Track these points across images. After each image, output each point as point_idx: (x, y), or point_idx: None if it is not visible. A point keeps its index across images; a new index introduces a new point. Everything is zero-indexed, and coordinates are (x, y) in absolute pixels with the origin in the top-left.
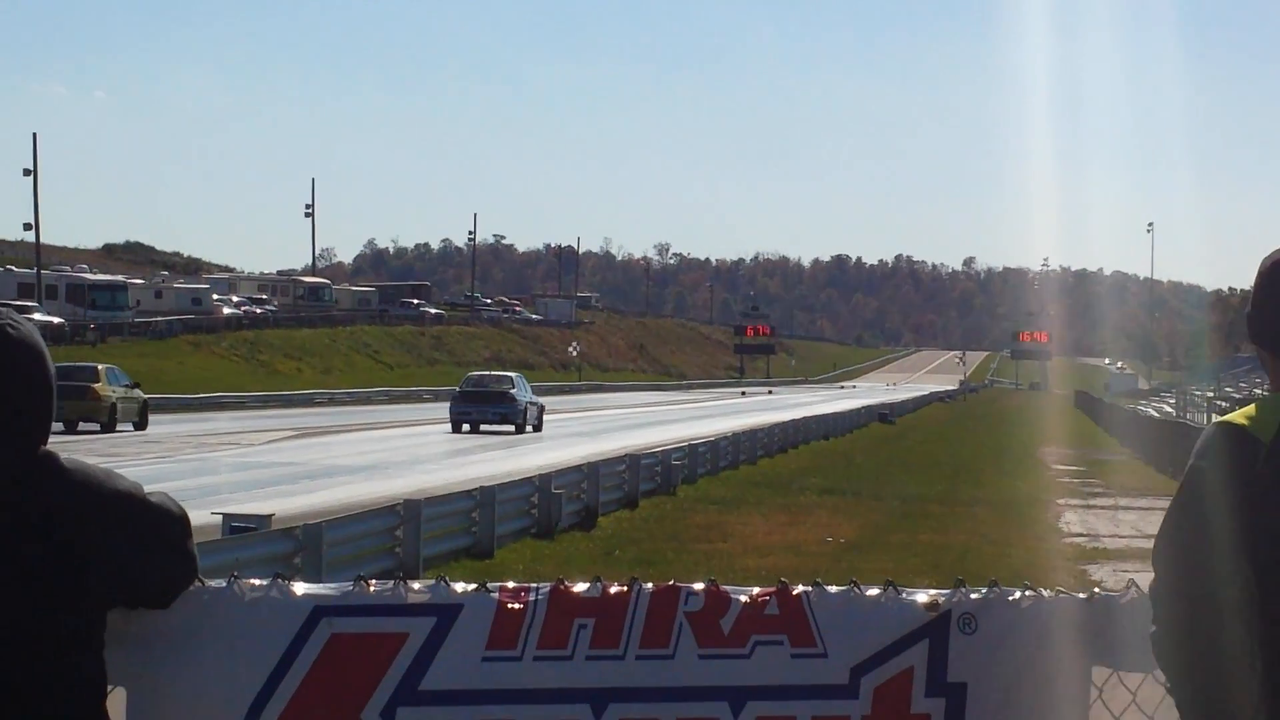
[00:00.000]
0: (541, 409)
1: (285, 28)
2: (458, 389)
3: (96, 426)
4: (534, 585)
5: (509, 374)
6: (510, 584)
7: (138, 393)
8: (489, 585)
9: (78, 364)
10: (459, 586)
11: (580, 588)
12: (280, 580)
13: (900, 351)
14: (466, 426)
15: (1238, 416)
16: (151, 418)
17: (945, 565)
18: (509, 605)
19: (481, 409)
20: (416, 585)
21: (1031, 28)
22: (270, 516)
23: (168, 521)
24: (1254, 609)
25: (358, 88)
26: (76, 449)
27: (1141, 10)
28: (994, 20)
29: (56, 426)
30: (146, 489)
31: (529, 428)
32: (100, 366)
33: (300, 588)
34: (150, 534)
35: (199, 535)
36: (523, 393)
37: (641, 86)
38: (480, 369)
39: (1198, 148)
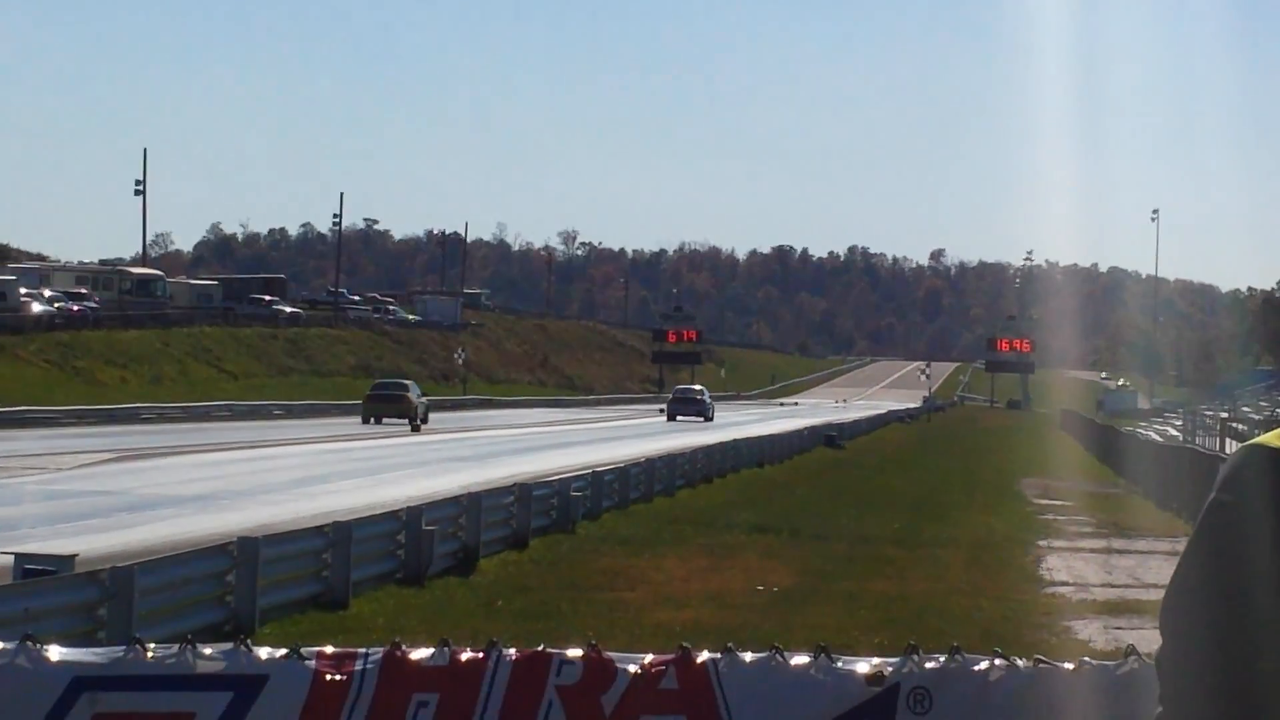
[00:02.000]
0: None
1: None
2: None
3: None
4: (362, 650)
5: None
6: (329, 649)
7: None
8: (303, 651)
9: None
10: (263, 652)
11: (422, 654)
12: (30, 643)
13: (853, 362)
14: None
15: (1274, 438)
16: None
17: (902, 620)
18: (328, 677)
19: None
20: (208, 650)
21: None
22: (74, 557)
23: None
24: None
25: (201, 42)
26: None
27: None
28: None
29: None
30: None
31: None
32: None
33: (55, 652)
34: None
35: None
36: None
37: (544, 47)
38: (349, 378)
39: (1211, 126)
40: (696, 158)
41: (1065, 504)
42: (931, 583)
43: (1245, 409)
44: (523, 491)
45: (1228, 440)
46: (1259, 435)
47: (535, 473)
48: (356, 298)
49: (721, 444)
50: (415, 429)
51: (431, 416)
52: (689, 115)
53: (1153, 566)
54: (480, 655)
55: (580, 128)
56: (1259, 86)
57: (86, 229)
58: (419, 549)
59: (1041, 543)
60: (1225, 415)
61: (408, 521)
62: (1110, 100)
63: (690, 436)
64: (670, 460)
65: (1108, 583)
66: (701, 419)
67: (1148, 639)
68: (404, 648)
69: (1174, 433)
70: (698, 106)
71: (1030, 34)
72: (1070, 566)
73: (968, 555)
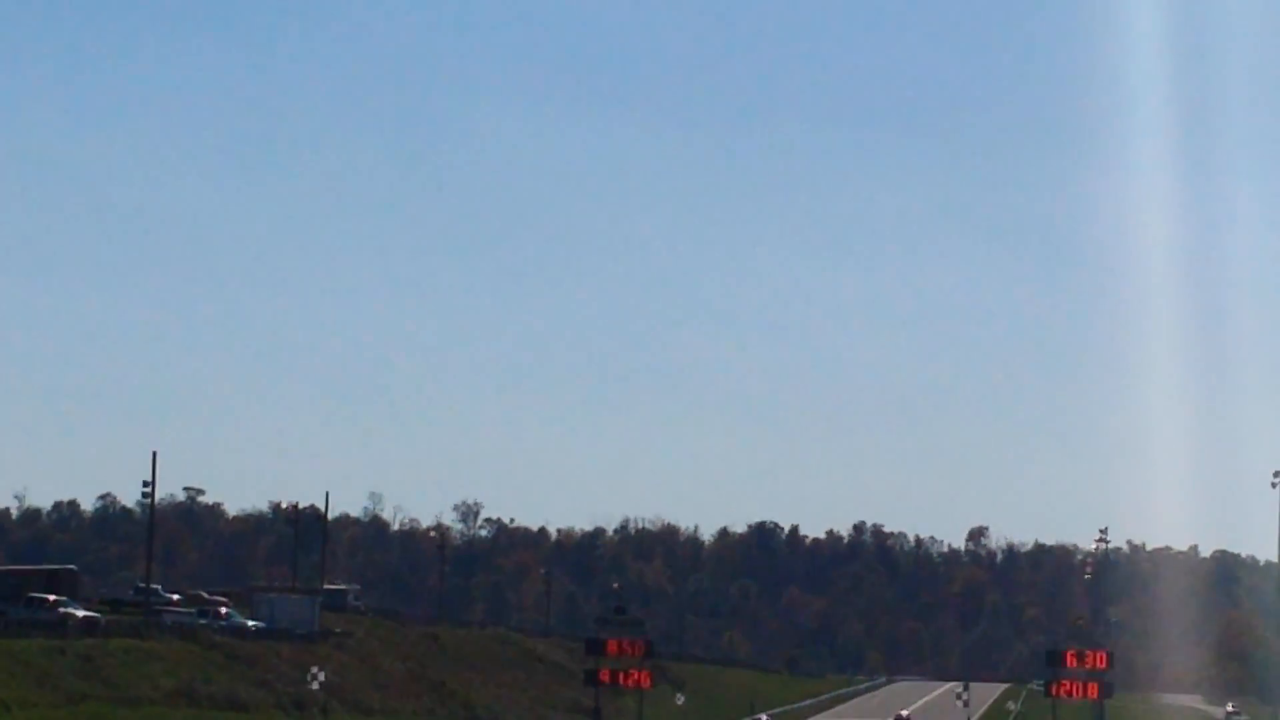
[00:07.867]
0: None
1: None
2: None
3: None
4: None
5: None
6: None
7: None
8: None
9: None
10: None
11: None
12: None
13: (861, 682)
14: None
15: None
16: None
17: None
18: None
19: None
20: None
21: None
22: None
23: None
24: None
25: None
26: None
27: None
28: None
29: None
30: None
31: None
32: None
33: None
34: None
35: None
36: None
37: (427, 257)
38: (163, 708)
39: None
40: (642, 406)
41: None
42: None
43: None
44: None
45: None
46: None
47: None
48: (175, 596)
49: None
50: None
51: None
52: (629, 351)
53: None
54: None
55: (479, 367)
56: None
57: None
58: None
59: None
60: None
61: None
62: (1218, 336)
63: None
64: None
65: None
66: None
67: None
68: None
69: None
70: (643, 339)
71: (1107, 250)
72: None
73: None
